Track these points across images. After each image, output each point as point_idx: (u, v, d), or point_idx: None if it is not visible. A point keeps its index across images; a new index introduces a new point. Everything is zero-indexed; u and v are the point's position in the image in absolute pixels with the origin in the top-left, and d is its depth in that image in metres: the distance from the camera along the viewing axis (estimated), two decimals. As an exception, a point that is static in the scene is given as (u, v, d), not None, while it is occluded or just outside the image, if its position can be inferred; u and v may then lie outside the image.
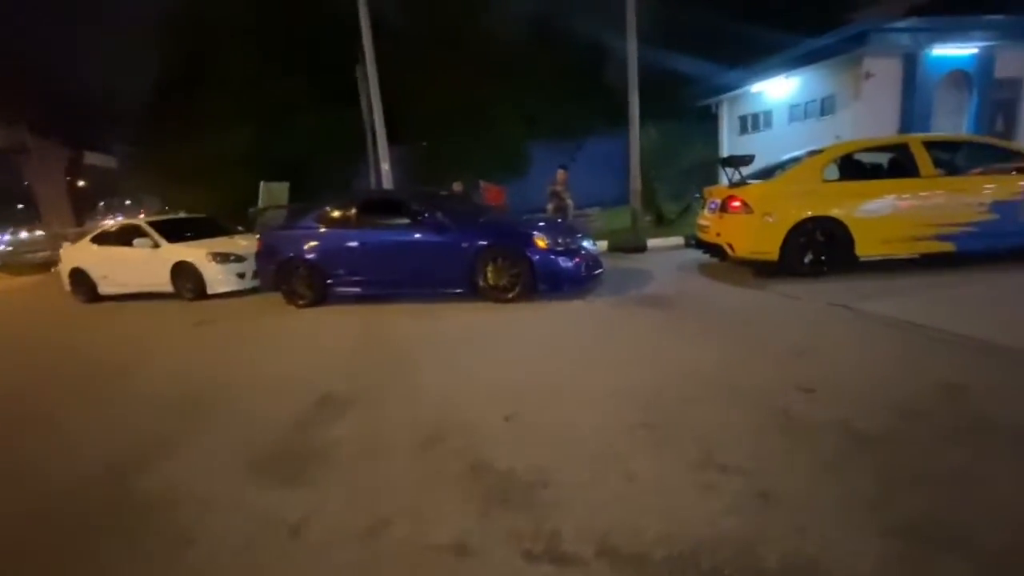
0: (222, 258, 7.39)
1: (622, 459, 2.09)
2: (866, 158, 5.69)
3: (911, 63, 10.82)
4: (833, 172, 5.46)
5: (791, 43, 12.10)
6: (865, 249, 5.04)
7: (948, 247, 4.96)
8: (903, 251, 5.02)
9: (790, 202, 5.16)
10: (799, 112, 12.78)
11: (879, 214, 4.98)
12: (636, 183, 9.17)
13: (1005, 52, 11.30)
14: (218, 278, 7.33)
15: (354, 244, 5.82)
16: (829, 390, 2.55)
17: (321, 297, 6.02)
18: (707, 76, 15.94)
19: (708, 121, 17.13)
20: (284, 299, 6.14)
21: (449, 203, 6.45)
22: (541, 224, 5.90)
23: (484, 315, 4.91)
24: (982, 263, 5.00)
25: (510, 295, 5.19)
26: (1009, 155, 5.11)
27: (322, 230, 6.04)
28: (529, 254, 5.11)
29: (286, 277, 6.13)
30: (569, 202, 8.71)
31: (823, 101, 12.01)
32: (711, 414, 2.40)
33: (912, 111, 10.86)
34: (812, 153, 5.45)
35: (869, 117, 10.72)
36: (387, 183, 9.97)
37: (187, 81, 16.08)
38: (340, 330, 4.95)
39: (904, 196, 4.94)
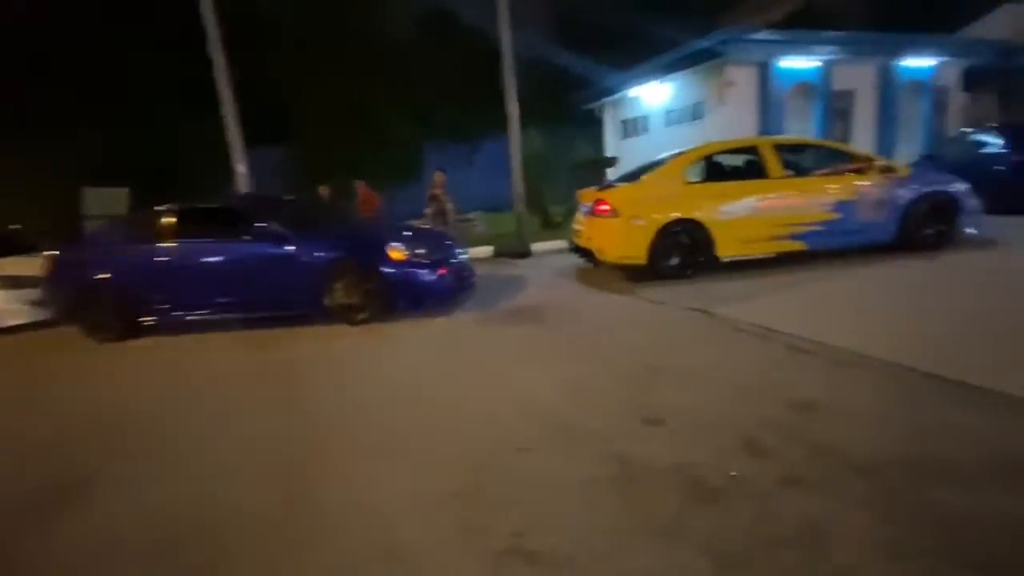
0: (12, 282, 5.88)
1: (415, 554, 1.56)
2: (725, 161, 5.79)
3: (765, 73, 11.73)
4: (694, 174, 5.47)
5: (665, 49, 12.63)
6: (726, 250, 5.06)
7: (800, 246, 5.13)
8: (760, 251, 5.11)
9: (656, 205, 5.06)
10: (674, 117, 13.40)
11: (736, 215, 5.03)
12: (519, 186, 8.87)
13: (841, 67, 12.68)
14: (7, 308, 5.81)
15: (172, 262, 4.79)
16: (677, 420, 2.24)
17: (131, 329, 4.89)
18: (593, 80, 16.33)
19: (596, 125, 17.59)
20: (84, 332, 4.93)
21: (297, 210, 5.61)
22: (406, 233, 5.30)
23: (324, 343, 4.19)
24: (829, 260, 5.24)
25: (361, 316, 4.52)
26: (846, 157, 5.42)
27: (134, 246, 4.93)
28: (383, 268, 4.48)
29: (86, 305, 4.92)
30: (449, 206, 8.17)
31: (694, 107, 12.67)
32: (540, 470, 1.96)
33: (767, 117, 11.78)
34: (675, 156, 5.42)
35: (733, 122, 11.43)
36: (244, 188, 8.74)
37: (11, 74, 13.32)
38: (140, 373, 3.96)
39: (757, 197, 5.02)
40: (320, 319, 4.59)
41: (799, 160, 5.63)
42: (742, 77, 11.71)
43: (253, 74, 7.76)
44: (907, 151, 14.05)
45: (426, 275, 4.58)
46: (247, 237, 4.65)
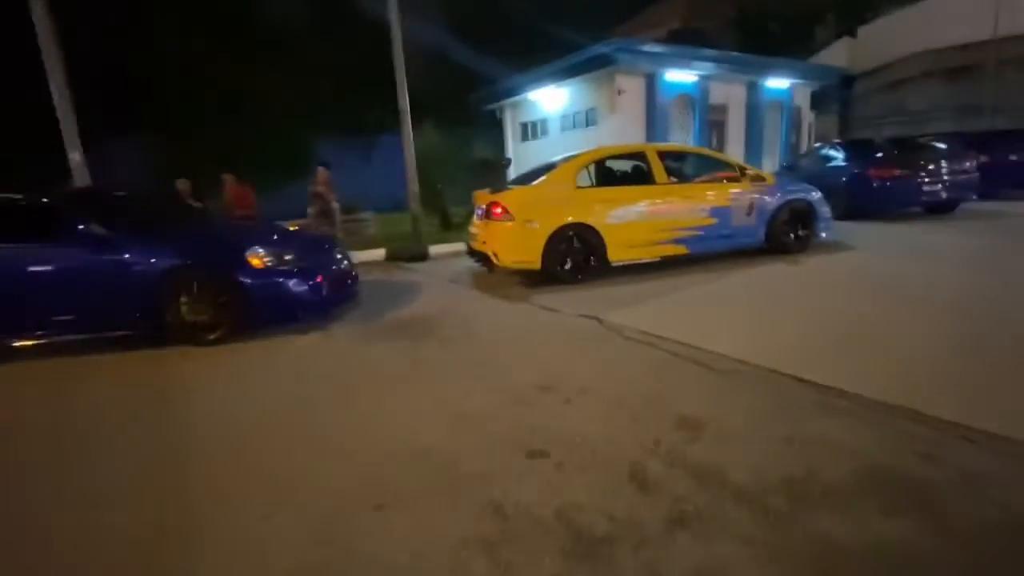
0: None
1: None
2: (614, 165, 5.86)
3: (652, 84, 12.41)
4: (585, 178, 5.45)
5: (564, 54, 12.86)
6: (616, 254, 5.09)
7: (683, 250, 5.31)
8: (647, 255, 5.21)
9: (549, 209, 4.95)
10: (569, 122, 13.72)
11: (625, 220, 5.07)
12: (414, 185, 8.41)
13: (716, 83, 13.85)
14: None
15: (-54, 272, 3.71)
16: (563, 450, 2.02)
17: None
18: (494, 81, 16.23)
19: (498, 126, 17.54)
20: None
21: (134, 208, 4.69)
22: (273, 236, 4.64)
23: (153, 372, 3.46)
24: (707, 263, 5.49)
25: (213, 335, 3.83)
26: (721, 166, 5.72)
27: None
28: (240, 277, 3.82)
29: None
30: (335, 205, 7.49)
31: (587, 113, 13.06)
32: (400, 534, 1.62)
33: (654, 126, 12.48)
34: (567, 159, 5.35)
35: (623, 129, 11.94)
36: (81, 180, 7.31)
37: None
38: None
39: (645, 202, 5.11)
40: (161, 340, 3.81)
41: (680, 167, 5.86)
42: (631, 86, 12.28)
43: (112, 49, 6.44)
44: (770, 163, 15.76)
45: (296, 285, 4.00)
46: (59, 240, 3.73)
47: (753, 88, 14.74)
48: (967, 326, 3.15)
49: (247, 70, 17.53)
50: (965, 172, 7.34)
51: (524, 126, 15.92)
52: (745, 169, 5.51)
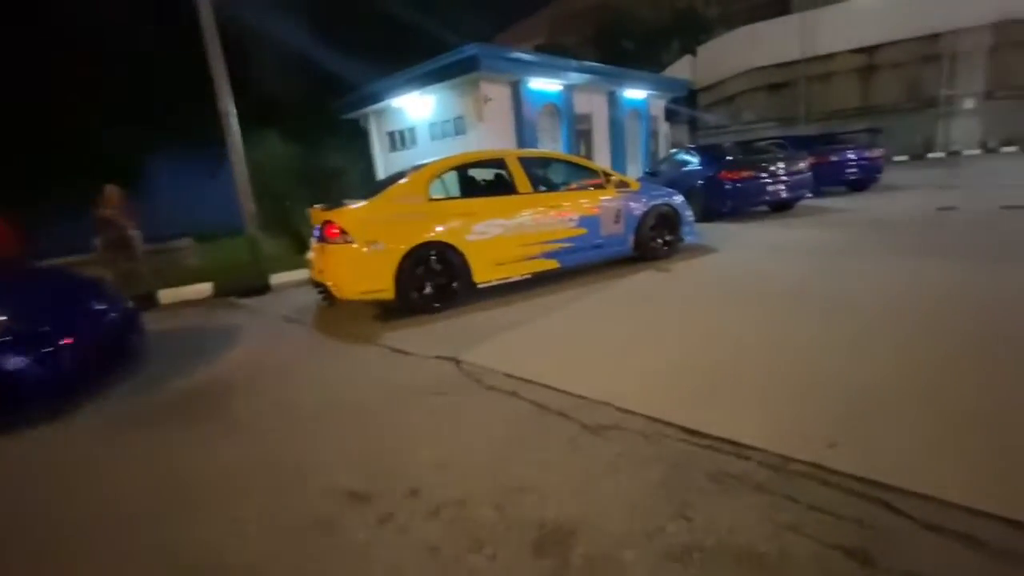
0: None
1: None
2: (472, 175, 5.25)
3: (518, 92, 12.20)
4: (440, 190, 4.75)
5: (426, 58, 12.12)
6: (482, 275, 4.45)
7: (553, 264, 4.83)
8: (516, 273, 4.64)
9: (400, 226, 4.15)
10: (438, 131, 13.03)
11: (489, 235, 4.45)
12: (248, 202, 7.05)
13: (579, 93, 14.11)
14: None
15: None
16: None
17: None
18: (355, 86, 14.95)
19: (363, 136, 16.24)
20: None
21: None
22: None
23: None
24: (578, 277, 5.10)
25: None
26: (586, 172, 5.38)
27: None
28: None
29: None
30: (133, 232, 5.92)
31: (456, 121, 12.48)
32: None
33: (523, 134, 12.27)
34: (417, 169, 4.60)
35: (492, 137, 11.54)
36: None
37: None
38: None
39: (508, 214, 4.54)
40: None
41: (545, 175, 5.43)
42: (498, 94, 11.94)
43: None
44: (633, 170, 16.55)
45: (10, 359, 2.73)
46: None
47: (613, 98, 15.33)
48: (849, 325, 2.98)
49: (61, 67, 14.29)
50: (801, 172, 7.98)
51: (391, 135, 14.89)
52: (610, 175, 5.22)
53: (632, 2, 37.68)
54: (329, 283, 4.17)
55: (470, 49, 10.61)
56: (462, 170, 5.08)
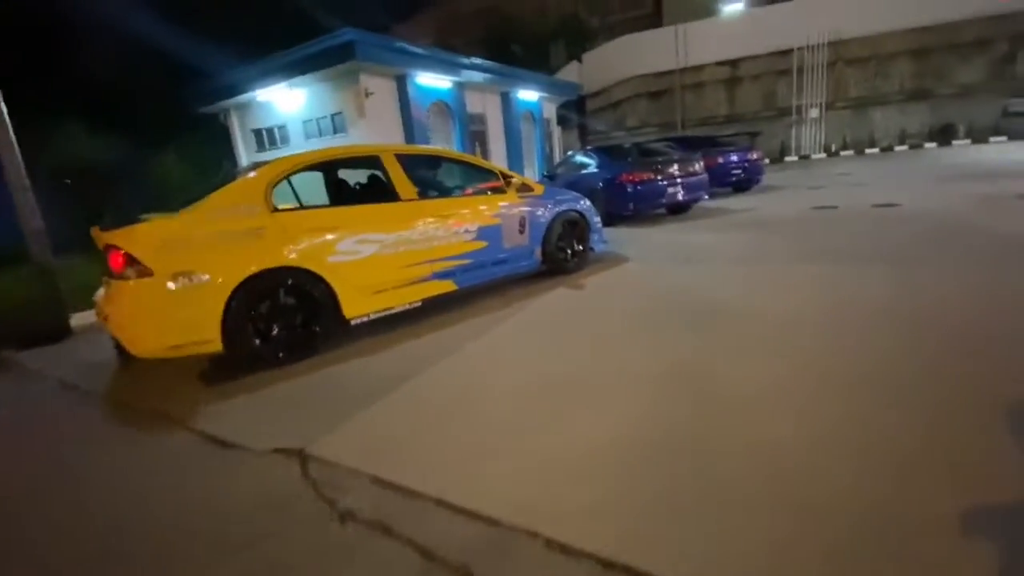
0: None
1: None
2: (335, 177, 4.19)
3: (404, 87, 11.12)
4: (288, 197, 3.63)
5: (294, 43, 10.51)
6: (355, 307, 3.41)
7: (449, 286, 3.93)
8: (400, 300, 3.66)
9: (227, 249, 2.97)
10: (313, 128, 11.50)
11: (362, 255, 3.43)
12: (34, 219, 5.22)
13: (471, 92, 13.37)
14: None
15: None
16: None
17: None
18: (211, 75, 12.71)
19: (226, 133, 13.97)
20: None
21: None
22: None
23: None
24: (481, 300, 4.27)
25: None
26: (483, 174, 4.56)
27: None
28: None
29: None
30: None
31: (333, 118, 11.07)
32: None
33: (413, 133, 11.21)
34: (255, 167, 3.44)
35: (376, 136, 10.34)
36: None
37: None
38: None
39: (386, 227, 3.56)
40: None
41: (433, 177, 4.53)
42: (381, 88, 10.76)
43: None
44: (530, 173, 16.21)
45: None
46: None
47: (507, 99, 14.83)
48: (815, 362, 2.45)
49: None
50: (697, 174, 7.91)
51: (258, 133, 12.93)
52: (510, 177, 4.44)
53: (518, 8, 38.10)
54: (119, 335, 2.88)
55: (346, 34, 9.32)
56: (323, 171, 4.00)
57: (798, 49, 21.87)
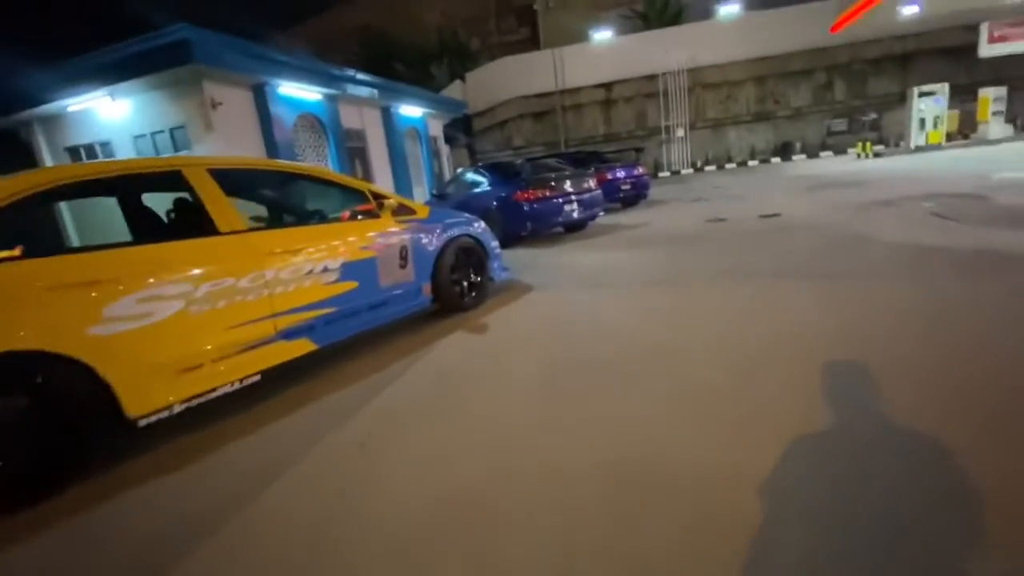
0: None
1: None
2: (122, 204, 2.97)
3: (263, 97, 9.63)
4: (21, 234, 2.37)
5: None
6: (146, 400, 2.26)
7: (303, 347, 2.90)
8: (228, 377, 2.55)
9: None
10: (147, 145, 9.49)
11: (155, 318, 2.29)
12: None
13: (347, 105, 12.14)
14: None
15: None
16: None
17: None
18: (5, 79, 9.98)
19: (28, 152, 11.11)
20: None
21: None
22: None
23: None
24: (348, 360, 3.29)
25: None
26: (349, 195, 3.58)
27: None
28: None
29: None
30: None
31: (173, 132, 9.21)
32: None
33: (277, 150, 9.74)
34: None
35: (229, 152, 8.74)
36: None
37: None
38: None
39: (194, 271, 2.46)
40: None
41: (273, 199, 3.47)
42: (234, 99, 9.19)
43: None
44: (420, 193, 15.27)
45: None
46: None
47: (388, 114, 13.80)
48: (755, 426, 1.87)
49: None
50: (592, 190, 7.60)
51: (75, 152, 10.41)
52: (383, 198, 3.51)
53: (397, 26, 37.28)
54: None
55: (180, 31, 7.71)
56: (92, 194, 2.77)
57: (662, 74, 23.67)
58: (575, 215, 7.43)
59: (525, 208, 6.96)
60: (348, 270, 3.13)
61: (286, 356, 2.81)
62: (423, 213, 3.78)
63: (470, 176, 8.34)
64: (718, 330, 2.98)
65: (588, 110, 25.74)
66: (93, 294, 2.14)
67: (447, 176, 16.53)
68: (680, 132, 24.41)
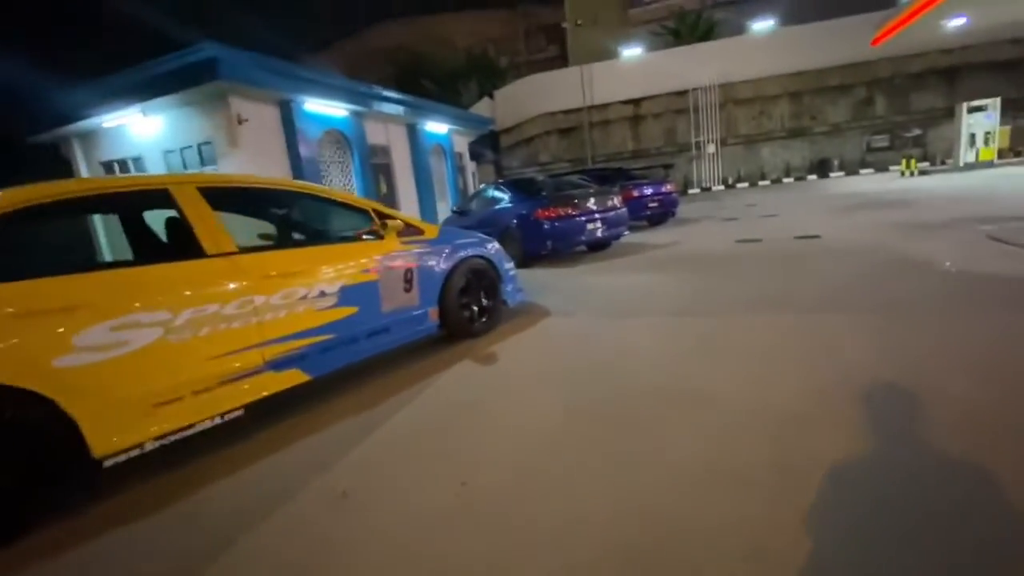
0: None
1: None
2: (96, 223, 2.81)
3: (288, 113, 9.74)
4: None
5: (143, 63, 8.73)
6: (115, 438, 2.06)
7: (294, 378, 2.68)
8: (209, 411, 2.34)
9: None
10: (177, 160, 9.68)
11: (129, 348, 2.11)
12: None
13: (373, 122, 12.23)
14: None
15: None
16: None
17: None
18: (44, 96, 10.44)
19: (66, 166, 11.55)
20: None
21: None
22: None
23: None
24: (342, 393, 3.06)
25: None
26: (351, 214, 3.39)
27: None
28: None
29: None
30: None
31: (200, 148, 9.37)
32: None
33: (302, 166, 9.80)
34: None
35: (254, 168, 8.82)
36: None
37: None
38: None
39: (175, 297, 2.27)
40: None
41: (270, 219, 3.30)
42: (260, 115, 9.30)
43: None
44: (445, 209, 15.22)
45: None
46: None
47: (414, 131, 13.85)
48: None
49: None
50: (616, 208, 7.29)
51: (109, 167, 10.76)
52: (387, 217, 3.30)
53: (429, 46, 38.07)
54: None
55: (207, 49, 7.84)
56: (78, 213, 2.64)
57: (692, 90, 23.27)
58: (598, 234, 7.13)
59: (546, 226, 6.70)
60: (347, 294, 2.92)
61: (275, 388, 2.59)
62: (431, 233, 3.55)
63: (491, 192, 8.15)
64: (756, 373, 2.62)
65: (616, 126, 25.49)
66: (61, 322, 1.96)
67: (472, 192, 16.48)
68: (711, 148, 23.88)
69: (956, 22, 16.65)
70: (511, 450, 2.14)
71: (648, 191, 10.02)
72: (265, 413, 2.72)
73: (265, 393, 2.56)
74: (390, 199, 12.93)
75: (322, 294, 2.80)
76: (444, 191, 15.88)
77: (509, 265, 4.19)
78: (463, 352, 3.51)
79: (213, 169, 9.13)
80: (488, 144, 25.27)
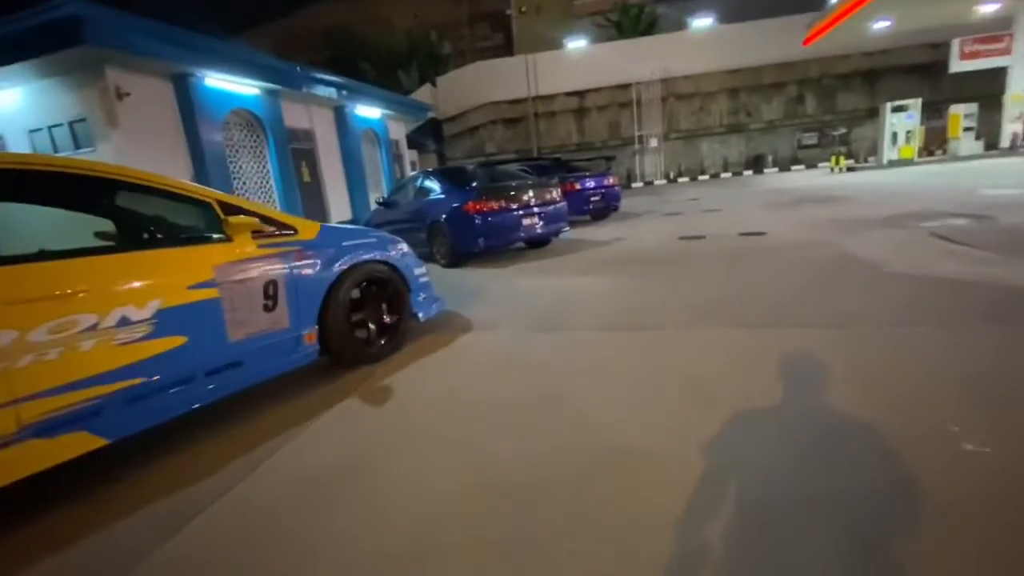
0: None
1: None
2: None
3: (185, 88, 8.44)
4: None
5: None
6: None
7: (81, 442, 1.86)
8: None
9: None
10: (45, 140, 8.16)
11: None
12: None
13: (292, 102, 11.02)
14: None
15: None
16: None
17: None
18: None
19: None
20: None
21: None
22: None
23: None
24: (170, 452, 2.25)
25: None
26: (187, 206, 2.52)
27: None
28: None
29: None
30: None
31: (73, 127, 7.92)
32: None
33: (202, 151, 8.54)
34: None
35: (141, 151, 7.55)
36: None
37: None
38: None
39: None
40: None
41: (64, 214, 2.42)
42: (147, 90, 7.97)
43: None
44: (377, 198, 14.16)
45: None
46: None
47: (342, 114, 12.70)
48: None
49: None
50: (556, 202, 6.70)
51: (-41, 148, 9.00)
52: (240, 211, 2.49)
53: (367, 28, 36.16)
54: None
55: (67, 6, 6.49)
56: None
57: (636, 84, 23.22)
58: (536, 230, 6.52)
59: (478, 221, 6.01)
60: (169, 320, 2.10)
61: (43, 463, 1.77)
62: (307, 232, 2.76)
63: (422, 182, 7.34)
64: (701, 416, 2.06)
65: (561, 118, 25.08)
66: None
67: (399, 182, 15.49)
68: (654, 142, 23.99)
69: (881, 25, 17.34)
70: (377, 543, 1.44)
71: (590, 184, 9.54)
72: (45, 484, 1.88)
73: (24, 474, 1.72)
74: (314, 188, 11.78)
75: (124, 322, 1.98)
76: (379, 181, 14.81)
77: (419, 271, 3.47)
78: (354, 384, 2.77)
79: (90, 152, 7.74)
80: (430, 133, 24.20)
